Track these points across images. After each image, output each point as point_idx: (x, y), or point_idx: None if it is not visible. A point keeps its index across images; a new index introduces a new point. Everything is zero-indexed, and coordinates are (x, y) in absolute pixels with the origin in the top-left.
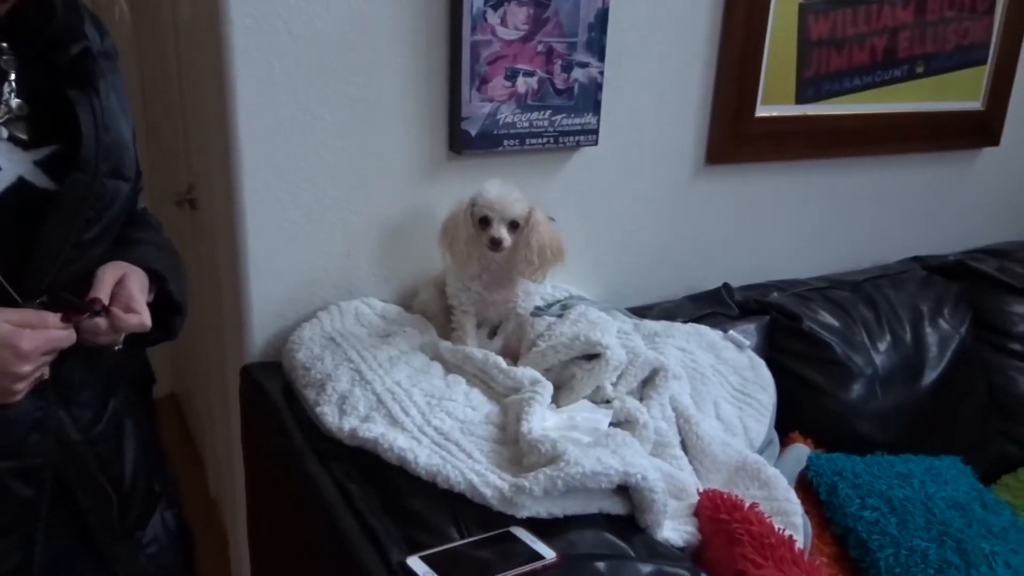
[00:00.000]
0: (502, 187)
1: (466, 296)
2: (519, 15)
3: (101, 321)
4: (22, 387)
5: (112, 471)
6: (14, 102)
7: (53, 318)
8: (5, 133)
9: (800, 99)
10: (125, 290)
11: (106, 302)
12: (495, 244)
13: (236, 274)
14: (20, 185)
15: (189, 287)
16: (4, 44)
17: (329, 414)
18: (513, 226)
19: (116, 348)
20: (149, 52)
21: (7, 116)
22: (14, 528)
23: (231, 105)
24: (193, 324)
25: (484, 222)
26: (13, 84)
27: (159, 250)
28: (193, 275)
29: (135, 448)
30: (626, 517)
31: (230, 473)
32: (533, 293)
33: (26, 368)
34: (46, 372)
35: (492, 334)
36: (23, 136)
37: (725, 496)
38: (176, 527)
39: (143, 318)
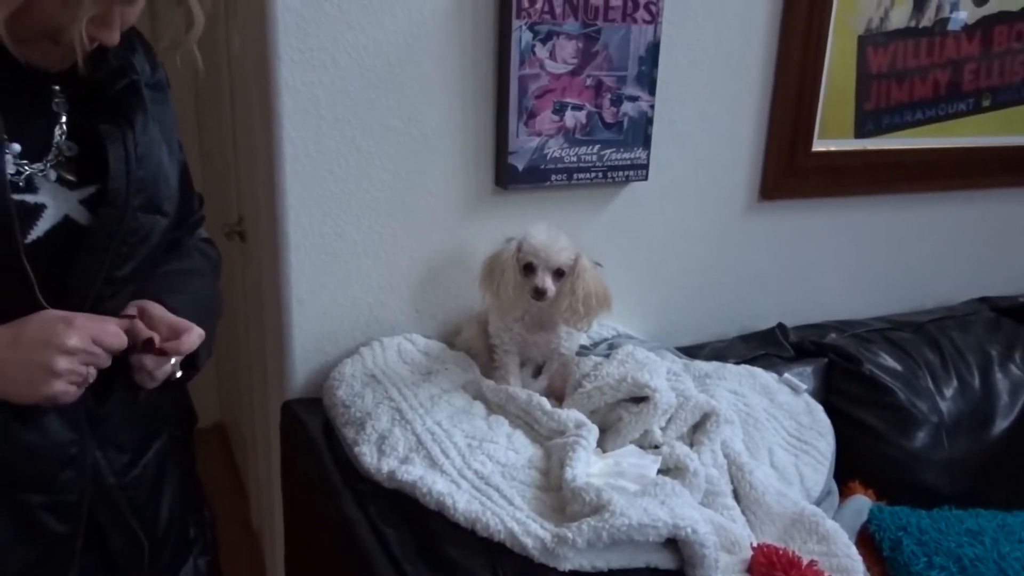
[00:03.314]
0: (548, 233)
1: (508, 336)
2: (568, 48)
3: (148, 360)
4: (65, 366)
5: (146, 515)
6: (64, 144)
7: (107, 318)
8: (54, 176)
9: (859, 133)
10: (156, 317)
11: (155, 340)
12: (538, 294)
13: (279, 307)
14: (66, 224)
15: (235, 319)
16: (56, 87)
17: (367, 454)
18: (558, 274)
19: (177, 376)
20: (205, 85)
21: (58, 159)
22: (46, 564)
23: (277, 137)
24: (240, 356)
25: (528, 268)
26: (64, 127)
27: (184, 280)
28: (241, 307)
29: (174, 492)
30: (675, 572)
31: (270, 508)
32: (577, 334)
33: (73, 341)
34: (92, 374)
35: (536, 373)
36: (71, 177)
37: (781, 551)
38: (208, 574)
39: (194, 330)
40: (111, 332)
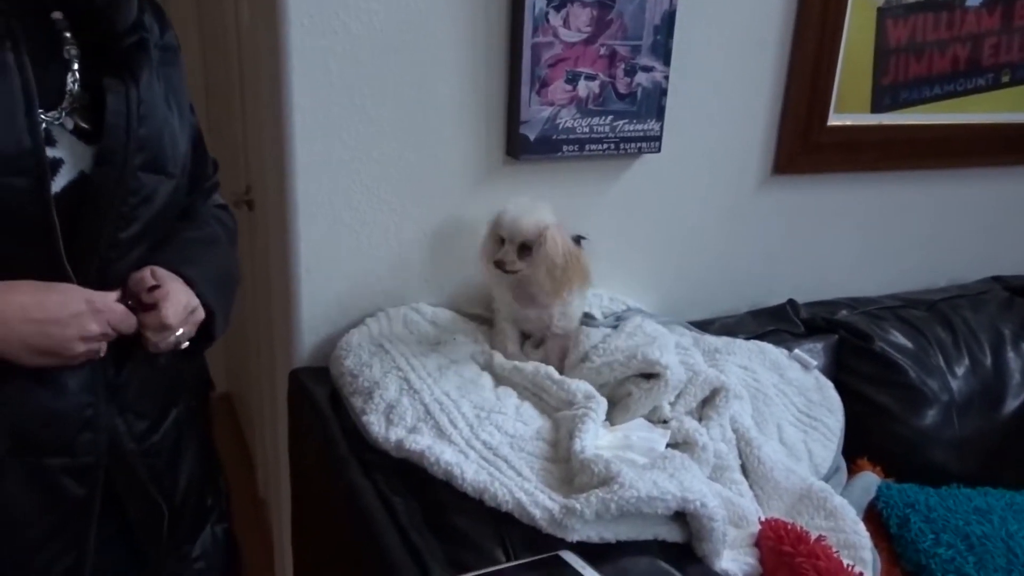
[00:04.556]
0: (520, 206)
1: (504, 306)
2: (582, 17)
3: (150, 333)
4: (81, 350)
5: (165, 483)
6: (78, 93)
7: (113, 295)
8: (71, 124)
9: (876, 108)
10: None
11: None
12: (499, 265)
13: (287, 276)
14: (82, 180)
15: (243, 288)
16: (68, 35)
17: (375, 423)
18: (524, 248)
19: (184, 346)
20: (213, 52)
21: (73, 106)
22: (66, 528)
23: (286, 105)
24: (247, 326)
25: (500, 241)
26: (77, 75)
27: (201, 249)
28: (248, 276)
29: (192, 460)
30: (682, 545)
31: (277, 477)
32: (573, 315)
33: (94, 328)
34: (103, 349)
35: (539, 344)
36: (86, 125)
37: (789, 526)
38: (225, 542)
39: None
40: (128, 323)
